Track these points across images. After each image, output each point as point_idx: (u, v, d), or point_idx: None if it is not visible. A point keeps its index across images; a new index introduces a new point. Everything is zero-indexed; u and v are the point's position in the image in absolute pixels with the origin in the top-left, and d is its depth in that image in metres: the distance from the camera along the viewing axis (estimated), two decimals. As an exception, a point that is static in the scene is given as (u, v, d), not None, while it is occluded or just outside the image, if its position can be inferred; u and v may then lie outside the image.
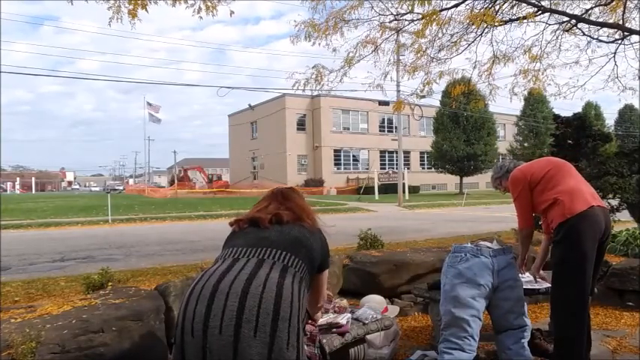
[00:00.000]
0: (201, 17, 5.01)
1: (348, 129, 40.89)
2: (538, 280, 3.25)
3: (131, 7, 4.67)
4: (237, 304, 1.55)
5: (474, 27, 6.26)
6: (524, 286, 2.96)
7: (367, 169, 39.66)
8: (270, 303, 1.57)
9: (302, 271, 1.80)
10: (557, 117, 7.01)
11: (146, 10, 4.74)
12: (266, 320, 1.54)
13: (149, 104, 47.33)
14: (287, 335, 1.56)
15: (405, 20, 6.48)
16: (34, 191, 63.50)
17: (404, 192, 26.81)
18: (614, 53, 7.00)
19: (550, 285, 3.06)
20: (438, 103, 33.46)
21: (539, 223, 6.09)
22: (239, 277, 1.64)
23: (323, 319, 2.83)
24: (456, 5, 6.23)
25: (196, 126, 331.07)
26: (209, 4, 4.99)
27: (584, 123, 6.53)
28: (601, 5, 6.48)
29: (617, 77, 7.24)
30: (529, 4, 6.11)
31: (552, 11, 6.31)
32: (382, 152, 42.10)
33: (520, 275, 3.01)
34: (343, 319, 2.84)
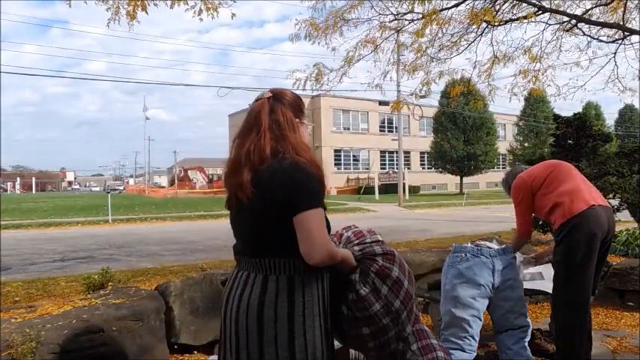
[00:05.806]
0: (201, 19, 5.03)
1: (348, 129, 40.86)
2: (530, 264, 3.19)
3: (130, 8, 4.67)
4: (234, 334, 1.56)
5: (474, 27, 6.27)
6: (524, 286, 2.96)
7: (367, 169, 39.63)
8: (254, 330, 1.52)
9: (284, 268, 1.54)
10: (557, 117, 7.00)
11: (146, 11, 4.74)
12: (254, 347, 1.52)
13: (146, 107, 48.65)
14: (276, 358, 1.52)
15: (405, 20, 6.49)
16: (34, 191, 63.50)
17: (404, 192, 26.79)
18: (615, 53, 7.01)
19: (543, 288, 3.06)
20: (437, 103, 33.49)
21: (539, 223, 6.14)
22: (234, 300, 1.59)
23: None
24: (456, 5, 6.23)
25: (199, 126, 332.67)
26: (209, 5, 4.99)
27: (585, 123, 6.51)
28: (601, 5, 6.48)
29: (617, 78, 7.25)
30: (529, 3, 6.11)
31: (552, 11, 6.31)
32: (382, 152, 42.07)
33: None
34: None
